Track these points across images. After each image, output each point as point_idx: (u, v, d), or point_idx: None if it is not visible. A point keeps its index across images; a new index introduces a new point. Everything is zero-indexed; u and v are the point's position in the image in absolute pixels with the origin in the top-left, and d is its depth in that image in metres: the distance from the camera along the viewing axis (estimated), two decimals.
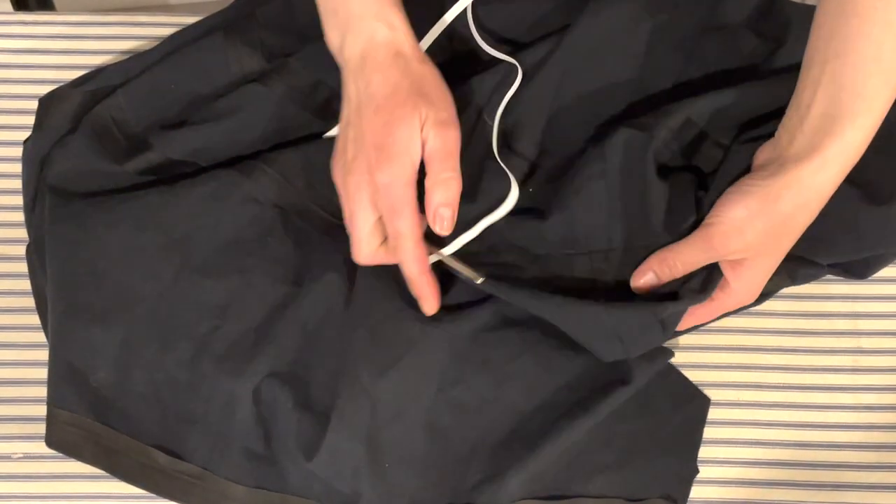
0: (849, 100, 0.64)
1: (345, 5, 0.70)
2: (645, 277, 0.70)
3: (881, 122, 0.65)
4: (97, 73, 0.82)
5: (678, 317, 0.70)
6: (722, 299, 0.70)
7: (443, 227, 0.69)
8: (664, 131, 0.74)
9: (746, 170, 0.70)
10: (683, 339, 0.77)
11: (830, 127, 0.64)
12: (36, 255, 0.76)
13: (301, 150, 0.77)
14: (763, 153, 0.69)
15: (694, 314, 0.71)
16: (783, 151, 0.66)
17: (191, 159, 0.77)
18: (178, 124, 0.78)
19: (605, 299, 0.69)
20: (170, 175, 0.76)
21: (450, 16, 0.77)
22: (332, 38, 0.71)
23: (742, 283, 0.69)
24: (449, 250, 0.72)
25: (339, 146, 0.71)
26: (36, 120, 0.80)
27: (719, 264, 0.70)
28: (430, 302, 0.71)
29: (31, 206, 0.77)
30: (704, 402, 0.74)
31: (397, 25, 0.69)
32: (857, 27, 0.63)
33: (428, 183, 0.68)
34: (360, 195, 0.68)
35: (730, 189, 0.68)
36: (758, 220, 0.66)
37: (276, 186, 0.75)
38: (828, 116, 0.64)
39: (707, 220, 0.68)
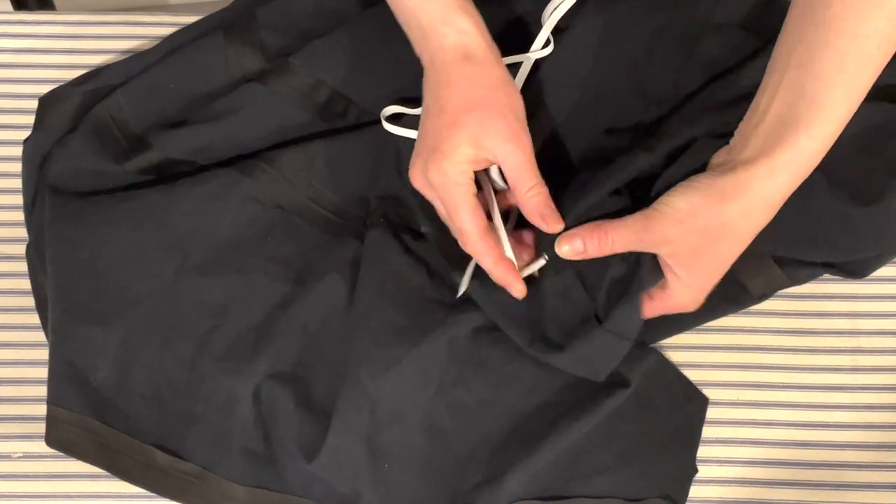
0: (806, 108, 0.63)
1: (415, 16, 0.69)
2: (572, 242, 0.68)
3: (841, 130, 0.64)
4: (97, 72, 0.82)
5: (630, 321, 0.69)
6: (662, 298, 0.69)
7: (550, 227, 0.69)
8: (668, 149, 0.73)
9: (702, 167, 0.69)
10: (683, 339, 0.77)
11: (784, 133, 0.63)
12: (36, 254, 0.76)
13: (301, 150, 0.77)
14: (719, 156, 0.67)
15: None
16: (736, 155, 0.65)
17: (191, 158, 0.77)
18: (178, 124, 0.78)
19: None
20: (170, 174, 0.77)
21: (518, 82, 0.76)
22: (414, 49, 0.71)
23: (681, 285, 0.68)
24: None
25: (414, 149, 0.71)
26: (36, 119, 0.80)
27: (659, 263, 0.68)
28: (515, 287, 0.70)
29: (31, 206, 0.77)
30: (703, 402, 0.74)
31: (467, 29, 0.68)
32: (825, 36, 0.62)
33: (518, 200, 0.69)
34: (426, 194, 0.70)
35: (680, 183, 0.67)
36: (699, 215, 0.65)
37: (277, 186, 0.75)
38: (783, 123, 0.63)
39: (650, 207, 0.67)
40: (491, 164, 0.69)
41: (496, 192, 0.71)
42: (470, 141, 0.67)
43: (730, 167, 0.65)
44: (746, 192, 0.64)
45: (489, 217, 0.70)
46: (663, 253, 0.67)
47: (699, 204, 0.65)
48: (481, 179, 0.71)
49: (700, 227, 0.65)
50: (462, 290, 0.72)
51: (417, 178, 0.70)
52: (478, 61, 0.68)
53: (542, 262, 0.71)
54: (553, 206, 0.69)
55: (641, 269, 0.68)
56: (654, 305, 0.70)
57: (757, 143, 0.64)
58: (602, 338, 0.69)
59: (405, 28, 0.71)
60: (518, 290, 0.70)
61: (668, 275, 0.68)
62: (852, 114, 0.64)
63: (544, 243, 0.71)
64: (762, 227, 0.66)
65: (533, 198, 0.68)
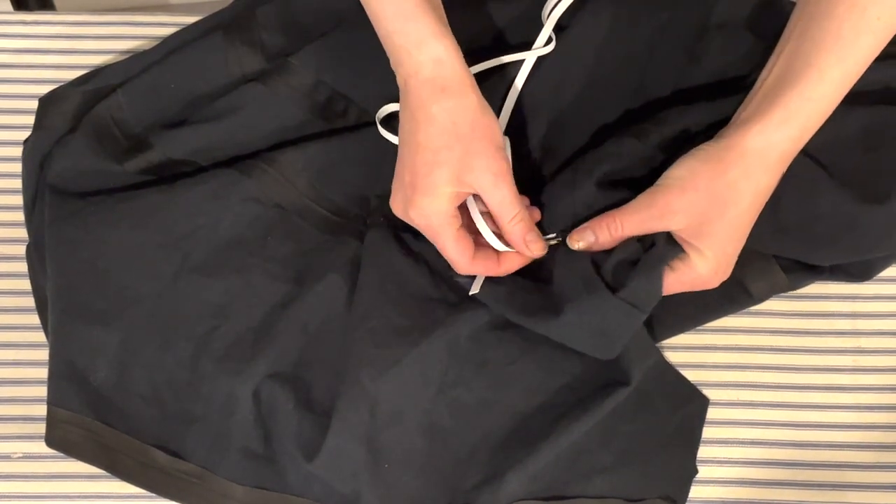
0: (801, 69, 0.64)
1: (390, 38, 0.68)
2: (584, 236, 0.69)
3: (836, 94, 0.65)
4: (97, 72, 0.82)
5: (647, 292, 0.68)
6: (684, 270, 0.68)
7: (534, 253, 0.70)
8: (658, 139, 0.73)
9: None
10: (683, 339, 0.77)
11: (777, 95, 0.65)
12: (36, 255, 0.76)
13: (301, 150, 0.77)
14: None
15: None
16: (734, 120, 0.67)
17: (191, 159, 0.77)
18: (178, 124, 0.78)
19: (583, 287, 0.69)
20: (170, 175, 0.76)
21: (519, 81, 0.77)
22: (392, 65, 0.70)
23: (699, 256, 0.68)
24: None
25: (393, 180, 0.71)
26: (36, 120, 0.80)
27: (675, 239, 0.68)
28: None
29: (31, 206, 0.77)
30: (703, 402, 0.74)
31: (443, 57, 0.67)
32: (825, 7, 0.64)
33: (502, 229, 0.69)
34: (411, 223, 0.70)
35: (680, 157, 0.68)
36: (700, 181, 0.66)
37: (277, 186, 0.75)
38: (777, 86, 0.65)
39: (653, 185, 0.68)
40: (471, 195, 0.69)
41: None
42: (450, 179, 0.67)
43: (727, 133, 0.66)
44: (742, 152, 0.65)
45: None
46: (674, 227, 0.67)
47: (699, 169, 0.66)
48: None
49: (703, 192, 0.66)
50: (474, 290, 0.72)
51: (398, 211, 0.70)
52: (454, 93, 0.67)
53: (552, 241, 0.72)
54: (535, 230, 0.70)
55: (657, 245, 0.68)
56: (678, 277, 0.69)
57: (752, 106, 0.66)
58: (617, 307, 0.68)
59: (384, 44, 0.70)
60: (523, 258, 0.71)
61: (688, 249, 0.68)
62: (850, 81, 0.65)
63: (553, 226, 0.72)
64: (766, 191, 0.67)
65: (516, 226, 0.69)
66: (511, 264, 0.71)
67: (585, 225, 0.70)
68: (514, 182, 0.69)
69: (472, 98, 0.68)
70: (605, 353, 0.71)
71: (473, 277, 0.72)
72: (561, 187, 0.74)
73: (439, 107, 0.67)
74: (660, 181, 0.68)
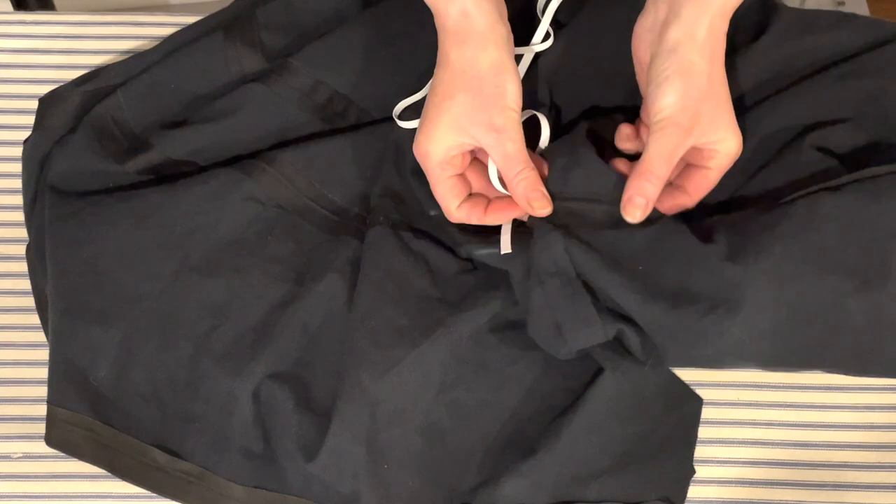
0: None
1: None
2: (635, 203, 0.69)
3: None
4: (97, 72, 0.82)
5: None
6: (718, 162, 0.69)
7: (537, 211, 0.71)
8: None
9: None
10: None
11: None
12: (36, 254, 0.76)
13: (301, 149, 0.77)
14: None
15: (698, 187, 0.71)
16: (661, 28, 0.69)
17: (191, 159, 0.77)
18: (178, 124, 0.78)
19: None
20: (170, 175, 0.76)
21: (534, 46, 0.78)
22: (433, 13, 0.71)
23: (723, 143, 0.69)
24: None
25: None
26: (36, 120, 0.80)
27: (695, 154, 0.69)
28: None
29: (32, 206, 0.77)
30: (698, 403, 0.74)
31: (471, 12, 0.68)
32: None
33: (508, 187, 0.71)
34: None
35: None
36: (658, 64, 0.67)
37: (277, 185, 0.75)
38: None
39: (652, 123, 0.68)
40: (478, 147, 0.71)
41: None
42: (452, 126, 0.68)
43: (663, 47, 0.68)
44: (678, 43, 0.67)
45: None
46: (673, 119, 0.67)
47: (675, 87, 0.67)
48: None
49: (670, 69, 0.67)
50: (505, 249, 0.72)
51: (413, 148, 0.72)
52: (473, 45, 0.68)
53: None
54: (542, 188, 0.70)
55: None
56: (719, 168, 0.70)
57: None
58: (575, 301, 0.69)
59: None
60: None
61: (709, 150, 0.68)
62: None
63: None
64: (717, 38, 0.68)
65: (520, 182, 0.70)
66: (496, 217, 0.72)
67: (626, 195, 0.69)
68: (522, 141, 0.69)
69: (491, 53, 0.68)
70: (558, 351, 0.71)
71: (491, 247, 0.73)
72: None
73: (456, 54, 0.68)
74: (655, 118, 0.68)
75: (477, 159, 0.73)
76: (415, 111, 0.76)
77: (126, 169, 0.76)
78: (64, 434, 0.71)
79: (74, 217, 0.74)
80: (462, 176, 0.72)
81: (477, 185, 0.73)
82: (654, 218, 0.70)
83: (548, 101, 0.77)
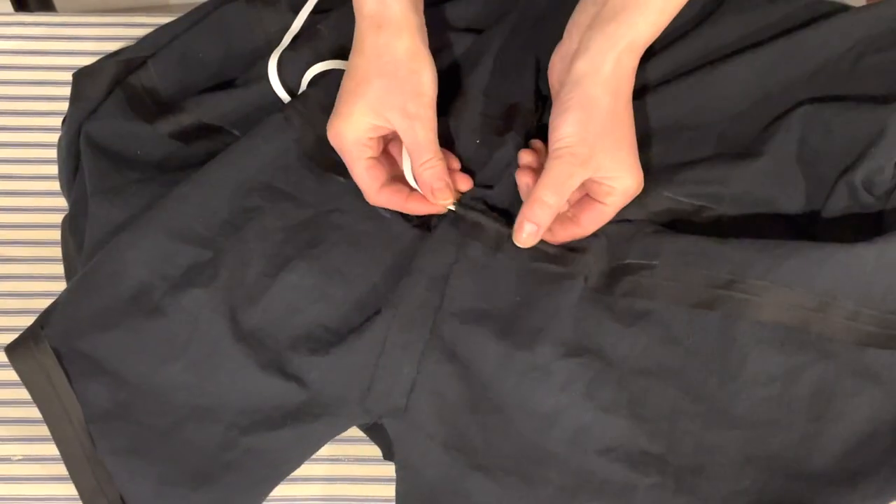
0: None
1: None
2: (525, 230, 0.69)
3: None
4: (127, 48, 0.82)
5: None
6: (613, 199, 0.69)
7: (438, 198, 0.71)
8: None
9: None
10: None
11: (603, 25, 0.67)
12: (70, 230, 0.76)
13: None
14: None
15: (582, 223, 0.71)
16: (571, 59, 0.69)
17: (219, 123, 0.78)
18: (208, 90, 0.79)
19: None
20: (197, 141, 0.77)
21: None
22: None
23: (616, 181, 0.69)
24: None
25: None
26: (72, 94, 0.80)
27: (588, 192, 0.70)
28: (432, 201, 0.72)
29: (73, 178, 0.78)
30: None
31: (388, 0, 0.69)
32: None
33: (415, 173, 0.71)
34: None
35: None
36: (574, 112, 0.67)
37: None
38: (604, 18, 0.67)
39: (551, 151, 0.68)
40: (392, 132, 0.71)
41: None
42: (368, 110, 0.69)
43: (570, 77, 0.68)
44: (585, 63, 0.67)
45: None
46: (571, 150, 0.67)
47: (576, 118, 0.67)
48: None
49: (573, 101, 0.67)
50: (449, 206, 0.72)
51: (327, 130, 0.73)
52: (388, 32, 0.69)
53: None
54: (447, 179, 0.71)
55: None
56: (615, 205, 0.70)
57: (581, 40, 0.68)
58: None
59: None
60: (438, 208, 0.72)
61: (603, 185, 0.69)
62: (666, 15, 0.67)
63: None
64: (622, 77, 0.68)
65: (427, 171, 0.71)
66: (417, 206, 0.72)
67: (518, 221, 0.69)
68: (433, 130, 0.70)
69: (405, 41, 0.69)
70: None
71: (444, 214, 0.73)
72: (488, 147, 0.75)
73: (372, 41, 0.69)
74: (554, 147, 0.68)
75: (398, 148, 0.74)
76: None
77: (157, 130, 0.77)
78: (27, 363, 0.70)
79: (117, 196, 0.74)
80: (379, 160, 0.72)
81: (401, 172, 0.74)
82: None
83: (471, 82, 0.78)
